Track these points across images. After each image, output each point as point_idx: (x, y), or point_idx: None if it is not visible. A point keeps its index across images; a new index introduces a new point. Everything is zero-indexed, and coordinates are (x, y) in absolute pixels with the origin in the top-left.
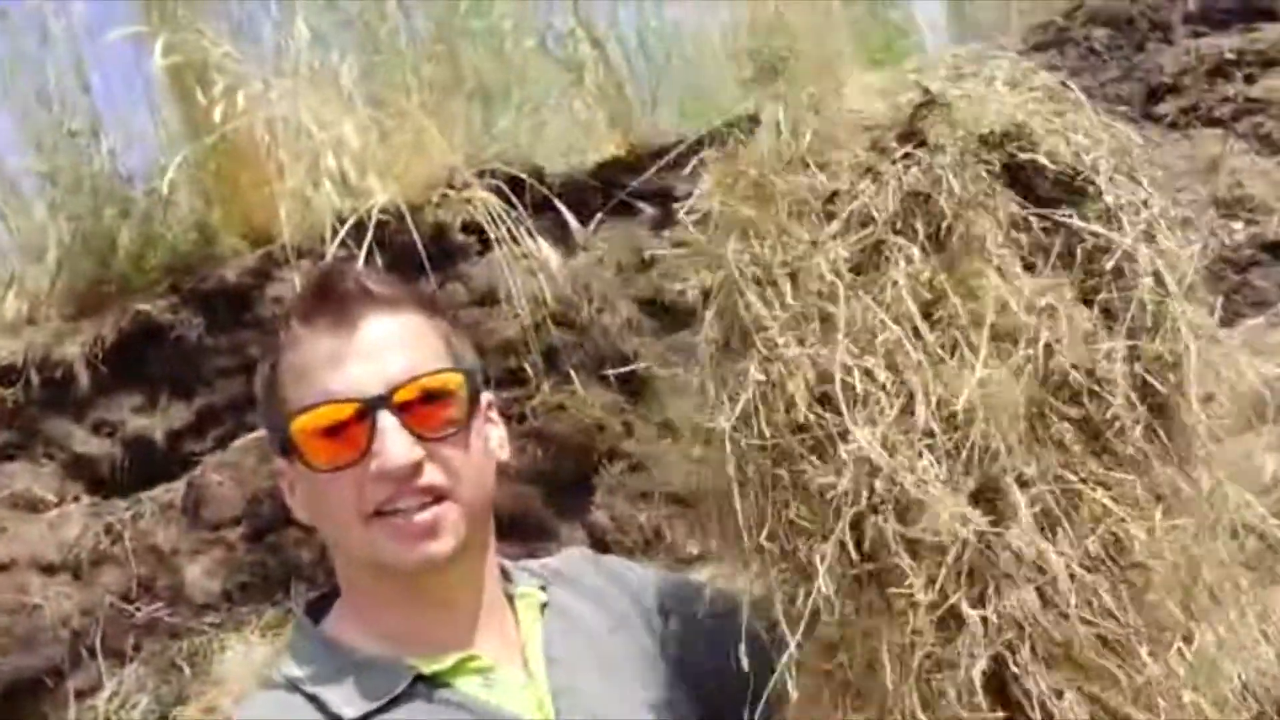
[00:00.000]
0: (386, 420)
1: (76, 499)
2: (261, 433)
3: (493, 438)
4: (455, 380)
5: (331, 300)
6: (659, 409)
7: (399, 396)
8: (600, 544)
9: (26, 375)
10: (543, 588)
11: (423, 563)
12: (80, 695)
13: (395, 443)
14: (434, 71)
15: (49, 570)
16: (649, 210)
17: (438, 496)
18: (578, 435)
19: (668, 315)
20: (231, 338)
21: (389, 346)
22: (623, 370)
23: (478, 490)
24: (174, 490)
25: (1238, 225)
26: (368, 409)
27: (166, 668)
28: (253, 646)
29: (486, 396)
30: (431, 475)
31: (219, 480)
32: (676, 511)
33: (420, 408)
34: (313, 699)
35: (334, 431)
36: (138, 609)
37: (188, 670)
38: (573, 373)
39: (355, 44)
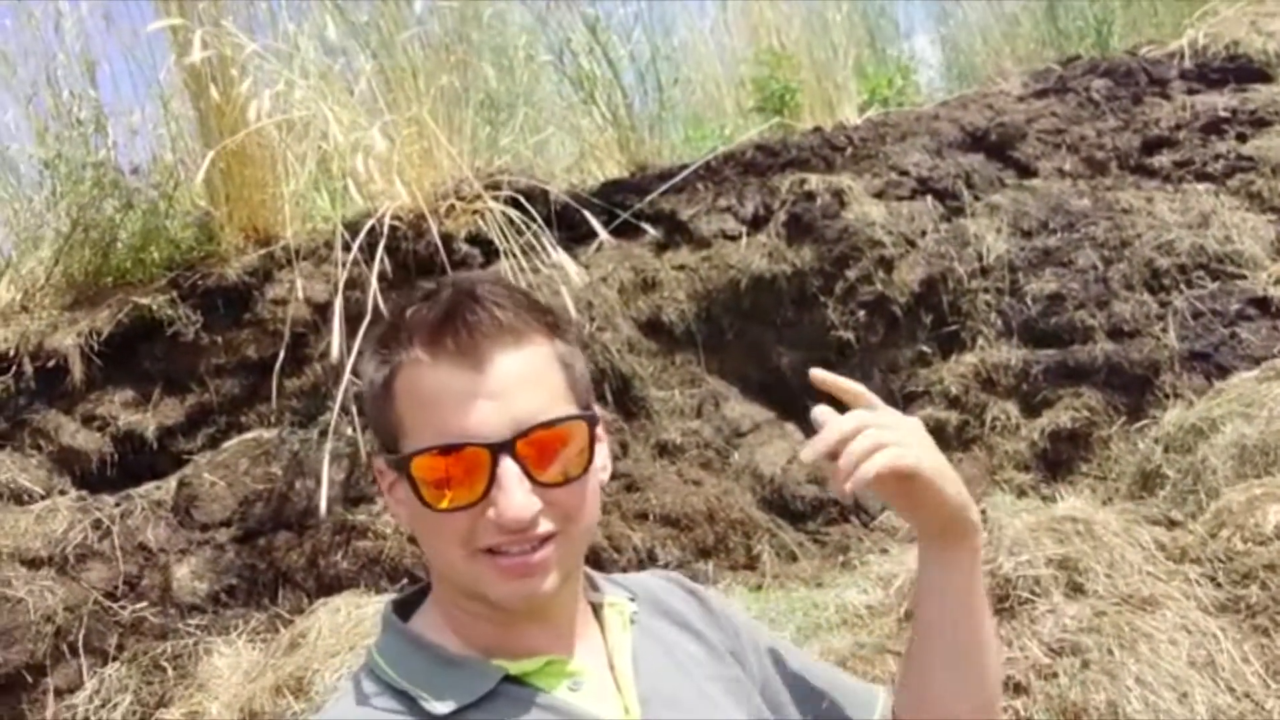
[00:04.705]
0: (508, 467)
1: (64, 492)
2: (255, 434)
3: (599, 459)
4: (578, 429)
5: (461, 329)
6: (655, 429)
7: (522, 443)
8: (594, 563)
9: (18, 364)
10: (631, 599)
11: (526, 600)
12: (60, 693)
13: (515, 495)
14: (446, 82)
15: (33, 564)
16: (652, 232)
17: (547, 537)
18: None
19: (667, 337)
20: (229, 337)
21: (516, 386)
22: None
23: (587, 526)
24: (164, 488)
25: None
26: (490, 453)
27: (150, 668)
28: (239, 650)
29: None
30: (545, 524)
31: (211, 480)
32: (670, 533)
33: (543, 454)
34: (403, 695)
35: (453, 473)
36: (123, 607)
37: (171, 672)
38: None
39: (370, 49)
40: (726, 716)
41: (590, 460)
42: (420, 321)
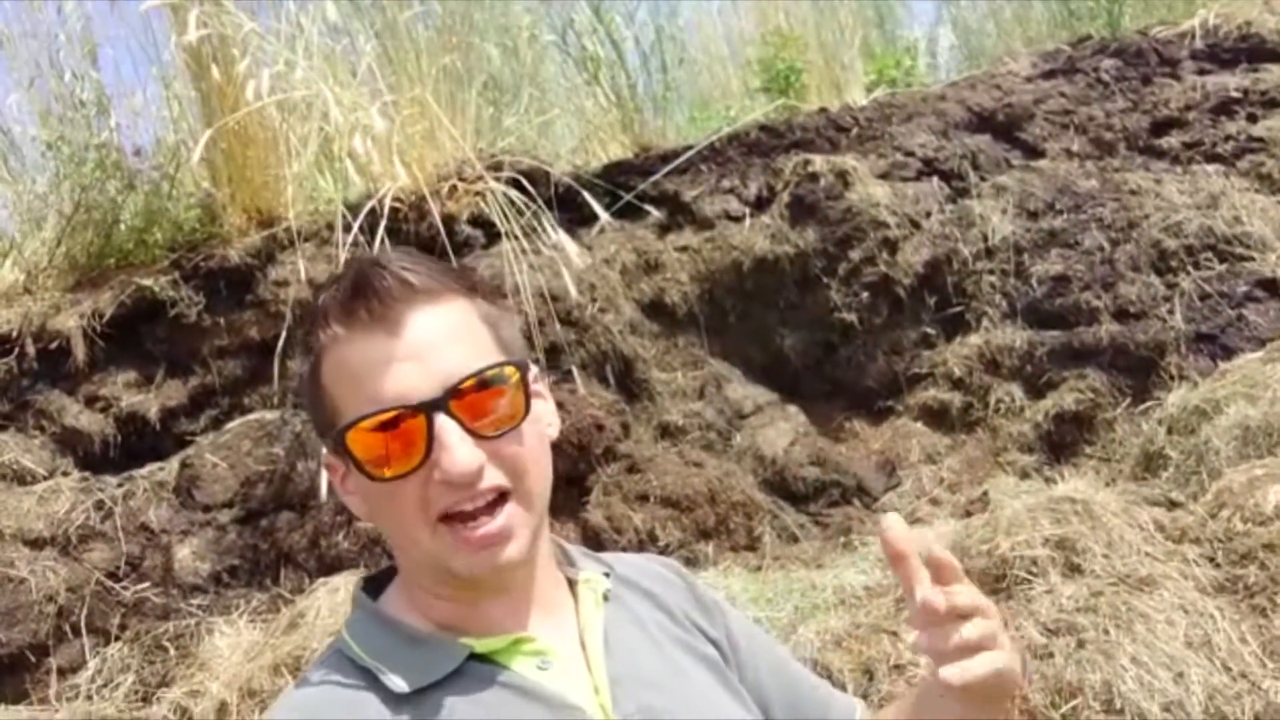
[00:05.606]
0: (445, 424)
1: (66, 473)
2: (257, 415)
3: (543, 416)
4: (509, 373)
5: (370, 297)
6: (657, 411)
7: (455, 398)
8: (594, 544)
9: (21, 346)
10: (606, 574)
11: (495, 570)
12: (62, 673)
13: (457, 449)
14: (449, 62)
15: (36, 544)
16: (655, 213)
17: (501, 495)
18: (576, 434)
19: (669, 318)
20: (231, 318)
21: (437, 344)
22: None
23: (538, 480)
24: (167, 469)
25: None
26: (424, 413)
27: (152, 648)
28: (240, 630)
29: (533, 372)
30: (493, 476)
31: (213, 461)
32: (671, 514)
33: (477, 406)
34: (367, 673)
35: (391, 440)
36: (125, 587)
37: (173, 651)
38: (574, 371)
39: (372, 30)
40: (701, 691)
41: (527, 407)
42: (332, 301)
